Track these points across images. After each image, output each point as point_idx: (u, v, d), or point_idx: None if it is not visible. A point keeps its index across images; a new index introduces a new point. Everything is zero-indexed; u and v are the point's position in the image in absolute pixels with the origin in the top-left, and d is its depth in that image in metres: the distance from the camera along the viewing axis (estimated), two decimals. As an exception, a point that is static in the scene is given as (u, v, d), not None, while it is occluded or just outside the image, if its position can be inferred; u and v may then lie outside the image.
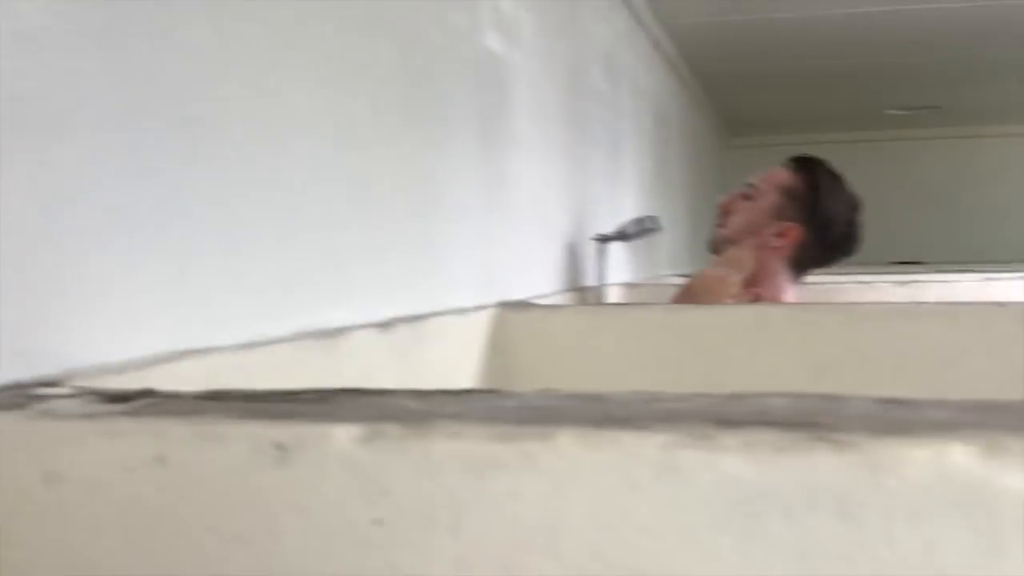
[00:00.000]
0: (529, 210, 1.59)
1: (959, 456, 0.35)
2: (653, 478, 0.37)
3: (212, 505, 0.41)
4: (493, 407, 0.47)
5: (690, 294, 1.75)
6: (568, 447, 0.38)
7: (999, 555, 0.34)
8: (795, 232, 1.82)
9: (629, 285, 2.20)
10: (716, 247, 1.87)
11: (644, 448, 0.38)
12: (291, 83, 0.86)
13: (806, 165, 1.84)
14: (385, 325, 1.02)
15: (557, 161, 1.78)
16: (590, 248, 1.90)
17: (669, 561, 0.37)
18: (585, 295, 1.87)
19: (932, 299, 2.21)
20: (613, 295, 2.05)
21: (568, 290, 1.78)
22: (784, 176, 1.84)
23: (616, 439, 0.38)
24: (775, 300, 1.80)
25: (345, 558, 0.40)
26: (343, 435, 0.41)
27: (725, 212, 1.87)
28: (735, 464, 0.37)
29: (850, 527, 0.36)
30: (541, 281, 1.66)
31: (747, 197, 1.85)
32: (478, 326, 1.30)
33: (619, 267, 2.18)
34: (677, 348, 1.28)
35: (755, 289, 1.79)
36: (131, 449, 0.42)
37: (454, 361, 1.21)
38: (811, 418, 0.42)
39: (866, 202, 1.89)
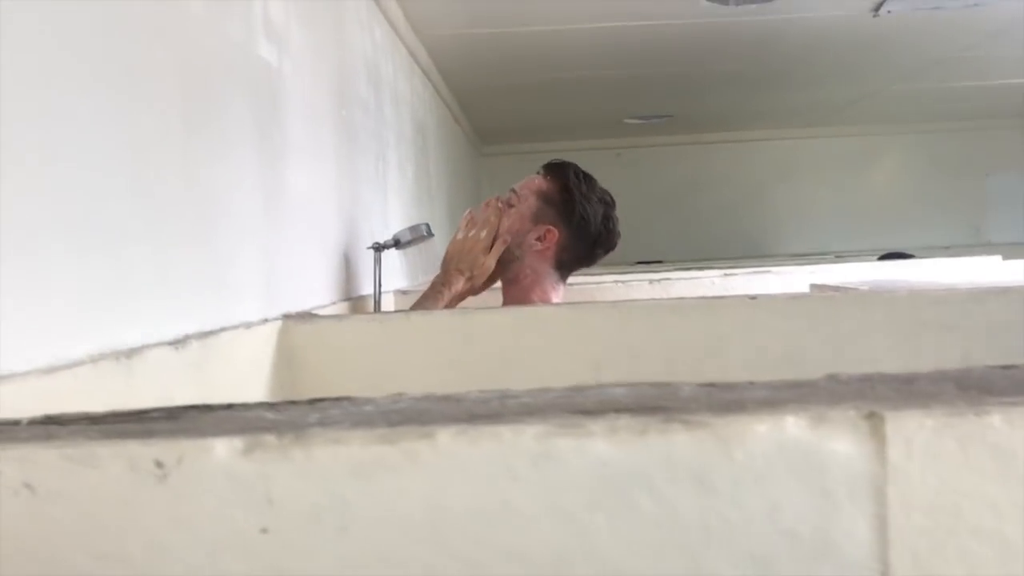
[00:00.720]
0: (306, 220, 1.59)
1: (792, 428, 0.41)
2: (531, 466, 0.41)
3: (88, 528, 0.40)
4: (356, 413, 0.48)
5: (448, 268, 1.84)
6: (449, 443, 0.41)
7: (832, 509, 0.40)
8: (554, 234, 1.91)
9: (403, 292, 2.22)
10: None
11: (521, 439, 0.41)
12: (73, 95, 0.82)
13: (557, 169, 1.94)
14: (178, 343, 0.99)
15: (329, 170, 1.79)
16: (366, 256, 1.91)
17: (549, 541, 0.41)
18: (364, 303, 1.88)
19: (680, 294, 2.38)
20: (388, 302, 2.07)
21: (347, 299, 1.78)
22: (539, 182, 1.92)
23: (495, 433, 0.41)
24: (546, 302, 1.88)
25: (233, 569, 0.40)
26: (223, 448, 0.41)
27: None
28: (603, 448, 0.41)
29: (705, 496, 0.41)
30: (321, 290, 1.66)
31: (509, 204, 1.92)
32: (265, 339, 1.28)
33: (393, 274, 2.20)
34: (463, 351, 1.33)
35: (527, 295, 1.87)
36: (-9, 478, 0.40)
37: (245, 375, 1.20)
38: (656, 403, 0.47)
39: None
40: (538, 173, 1.96)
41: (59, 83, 0.80)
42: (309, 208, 1.61)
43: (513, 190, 1.94)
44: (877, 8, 2.83)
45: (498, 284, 1.95)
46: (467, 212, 1.94)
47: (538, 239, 1.91)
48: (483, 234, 1.86)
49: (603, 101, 4.54)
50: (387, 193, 2.38)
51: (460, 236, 1.89)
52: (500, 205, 1.91)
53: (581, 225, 1.93)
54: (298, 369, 1.33)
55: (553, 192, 1.92)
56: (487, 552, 0.40)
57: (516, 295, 1.90)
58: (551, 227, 1.91)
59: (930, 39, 3.36)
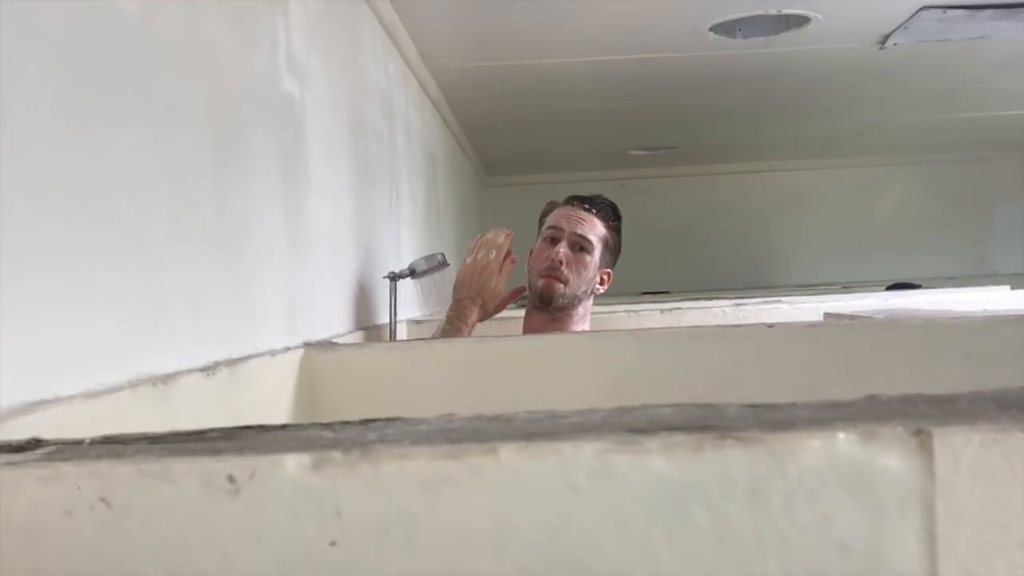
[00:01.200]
0: (326, 250, 1.61)
1: (843, 443, 0.42)
2: (591, 481, 0.42)
3: (162, 542, 0.42)
4: (412, 432, 0.50)
5: (460, 296, 1.85)
6: (512, 459, 0.42)
7: (881, 521, 0.41)
8: (611, 276, 2.04)
9: (417, 321, 2.24)
10: (557, 301, 1.95)
11: (581, 455, 0.42)
12: (114, 127, 0.85)
13: (613, 213, 2.00)
14: (209, 369, 1.01)
15: (347, 200, 1.81)
16: (381, 286, 1.93)
17: (608, 554, 0.42)
18: (379, 332, 1.89)
19: (691, 324, 2.40)
20: (402, 332, 2.09)
21: (363, 328, 1.80)
22: (601, 229, 1.99)
23: (555, 449, 0.42)
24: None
25: (303, 581, 0.42)
26: (293, 463, 0.43)
27: (556, 267, 1.94)
28: (660, 464, 0.42)
29: (759, 509, 0.42)
30: (337, 320, 1.67)
31: (583, 250, 1.95)
32: (289, 366, 1.30)
33: (406, 304, 2.22)
34: (484, 379, 1.34)
35: (580, 328, 1.95)
36: (70, 492, 0.42)
37: (270, 401, 1.21)
38: (706, 421, 0.48)
39: None
40: (595, 216, 1.98)
41: (102, 116, 0.82)
42: (329, 238, 1.64)
43: (582, 235, 1.95)
44: (883, 41, 2.87)
45: (513, 313, 1.98)
46: (478, 237, 1.97)
47: (600, 283, 2.01)
48: (492, 255, 1.89)
49: (608, 133, 4.58)
50: (400, 223, 2.40)
51: (469, 260, 1.92)
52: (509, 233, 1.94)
53: (617, 258, 2.03)
54: (320, 396, 1.35)
55: (611, 237, 2.02)
56: (549, 565, 0.42)
57: (567, 326, 1.95)
58: (609, 271, 2.03)
59: (935, 71, 3.40)
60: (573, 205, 2.02)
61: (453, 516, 0.42)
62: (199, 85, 1.05)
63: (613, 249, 2.02)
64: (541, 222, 2.07)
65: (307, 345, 1.38)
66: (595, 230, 1.98)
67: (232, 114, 1.16)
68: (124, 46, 0.87)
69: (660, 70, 3.23)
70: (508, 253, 1.90)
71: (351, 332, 1.72)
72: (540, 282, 1.96)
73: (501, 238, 1.92)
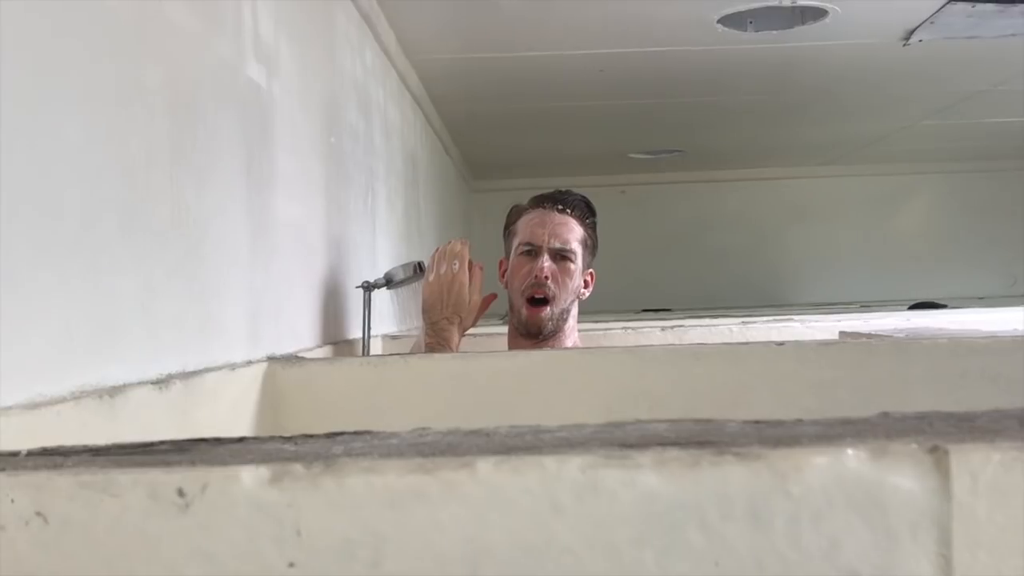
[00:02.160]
0: (293, 254, 1.61)
1: (852, 461, 0.43)
2: (576, 499, 0.42)
3: (104, 561, 0.42)
4: (381, 445, 0.50)
5: (436, 319, 1.83)
6: (491, 474, 0.43)
7: (894, 547, 0.42)
8: (594, 276, 2.05)
9: (392, 337, 2.24)
10: (547, 328, 1.94)
11: (566, 470, 0.43)
12: (61, 114, 0.85)
13: (588, 209, 1.99)
14: (161, 382, 1.01)
15: (318, 201, 1.81)
16: (354, 296, 1.93)
17: (595, 579, 0.42)
18: (350, 348, 1.89)
19: (692, 342, 2.40)
20: (376, 348, 2.09)
21: (332, 343, 1.80)
22: (579, 230, 1.98)
23: (538, 463, 0.43)
24: (576, 344, 1.98)
25: (258, 605, 0.42)
26: (249, 477, 0.43)
27: (542, 284, 1.93)
28: (652, 481, 0.43)
29: (760, 532, 0.42)
30: (304, 333, 1.67)
31: (565, 259, 1.94)
32: (250, 382, 1.30)
33: (381, 317, 2.22)
34: (465, 399, 1.34)
35: (565, 344, 1.96)
36: (2, 506, 0.42)
37: (228, 419, 1.21)
38: (703, 437, 0.48)
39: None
40: (562, 211, 1.97)
41: (47, 100, 0.82)
42: (296, 242, 1.64)
43: (563, 247, 1.94)
44: (907, 37, 2.89)
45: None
46: (434, 252, 1.95)
47: (585, 286, 2.02)
48: (456, 267, 1.87)
49: (607, 134, 4.60)
50: (376, 228, 2.40)
51: (432, 277, 1.89)
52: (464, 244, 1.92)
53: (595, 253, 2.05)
54: (284, 415, 1.35)
55: (589, 236, 2.02)
56: (530, 589, 0.42)
57: (556, 345, 1.95)
58: (591, 270, 2.03)
59: (964, 71, 3.43)
60: (544, 208, 1.99)
61: (424, 536, 0.42)
62: (155, 69, 1.05)
63: (592, 247, 2.02)
64: (508, 231, 2.04)
65: (271, 359, 1.38)
66: (574, 234, 1.97)
67: (192, 102, 1.16)
68: (72, 23, 0.87)
69: (664, 65, 3.25)
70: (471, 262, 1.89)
71: (319, 346, 1.72)
72: (524, 311, 1.94)
73: (459, 247, 1.90)
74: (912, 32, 2.85)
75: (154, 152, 1.04)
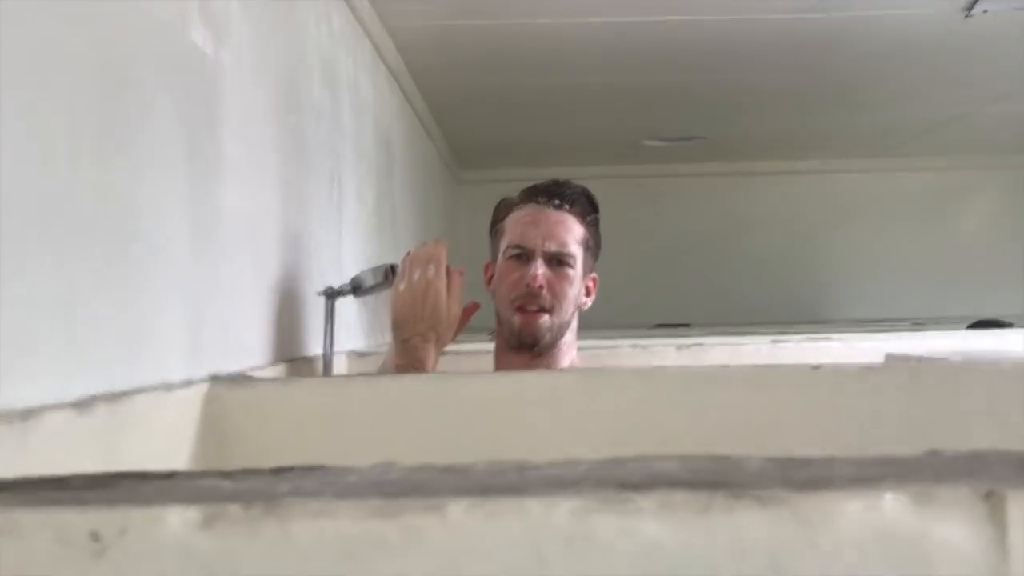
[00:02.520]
0: (242, 255, 1.61)
1: (891, 508, 0.42)
2: (565, 549, 0.42)
3: (2, 617, 0.41)
4: (336, 483, 0.50)
5: (408, 336, 1.79)
6: (463, 519, 0.42)
7: (939, 610, 0.42)
8: (596, 280, 2.05)
9: (360, 354, 2.24)
10: (544, 339, 1.93)
11: (553, 515, 0.42)
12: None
13: (589, 204, 1.99)
14: (82, 405, 1.01)
15: (272, 192, 1.81)
16: (315, 305, 1.93)
17: (585, 645, 0.42)
18: (309, 366, 1.89)
19: (714, 362, 2.40)
20: (340, 366, 2.09)
21: (289, 359, 1.80)
22: (578, 230, 1.97)
23: (520, 507, 0.42)
24: (574, 363, 1.97)
25: (185, 672, 0.41)
26: (176, 519, 0.42)
27: (535, 294, 1.91)
28: (655, 528, 0.42)
29: (782, 592, 0.42)
30: (255, 348, 1.67)
31: (563, 264, 1.92)
32: (189, 405, 1.30)
33: (347, 330, 2.22)
34: (444, 428, 1.34)
35: (563, 360, 1.97)
36: None
37: (163, 448, 1.21)
38: (717, 477, 0.48)
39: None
40: (557, 206, 1.95)
41: (-49, 67, 0.82)
42: (247, 240, 1.64)
43: (559, 251, 1.92)
44: (970, 6, 2.90)
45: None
46: (404, 256, 1.92)
47: (587, 294, 2.02)
48: (432, 272, 1.81)
49: (618, 117, 4.60)
50: (342, 225, 2.40)
51: (403, 286, 1.82)
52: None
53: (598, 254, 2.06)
54: (229, 445, 1.34)
55: (590, 236, 2.01)
56: (508, 657, 0.42)
57: (552, 362, 1.93)
58: (594, 275, 2.04)
59: (1036, 48, 3.44)
60: (538, 203, 1.96)
61: (384, 591, 0.42)
62: (79, 33, 1.05)
63: (594, 249, 2.01)
64: (495, 229, 2.02)
65: (214, 378, 1.38)
66: (572, 234, 1.95)
67: (123, 73, 1.16)
68: (-17, -20, 0.87)
69: (685, 37, 3.25)
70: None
71: (272, 364, 1.72)
72: (516, 319, 1.92)
73: (435, 248, 1.85)
74: (976, 2, 2.86)
75: (78, 133, 1.03)
